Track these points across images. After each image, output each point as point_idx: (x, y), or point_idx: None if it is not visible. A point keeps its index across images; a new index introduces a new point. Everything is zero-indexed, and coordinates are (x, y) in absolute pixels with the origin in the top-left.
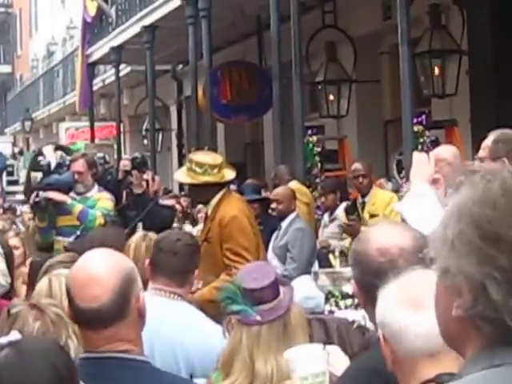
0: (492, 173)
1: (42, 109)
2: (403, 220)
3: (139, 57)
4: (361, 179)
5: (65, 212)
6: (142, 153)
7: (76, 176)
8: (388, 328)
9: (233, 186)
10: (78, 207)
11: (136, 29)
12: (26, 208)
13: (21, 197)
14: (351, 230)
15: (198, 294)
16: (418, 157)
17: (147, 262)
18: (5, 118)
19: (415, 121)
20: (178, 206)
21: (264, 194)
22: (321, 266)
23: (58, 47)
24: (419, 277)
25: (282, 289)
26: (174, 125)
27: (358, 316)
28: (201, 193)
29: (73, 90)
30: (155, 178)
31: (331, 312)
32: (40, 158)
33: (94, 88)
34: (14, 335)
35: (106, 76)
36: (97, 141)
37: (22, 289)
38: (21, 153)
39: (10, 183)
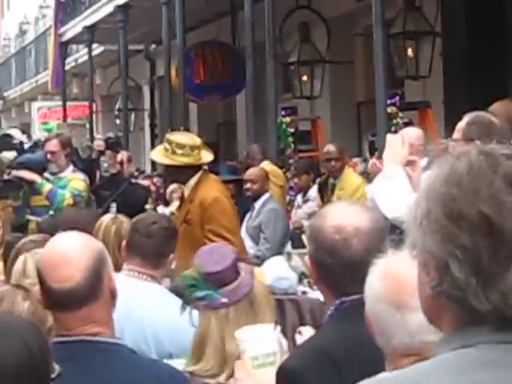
0: (462, 153)
1: (14, 88)
2: (372, 202)
3: (112, 36)
4: (333, 162)
5: (37, 192)
6: (115, 133)
7: (49, 156)
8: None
9: None
10: (47, 187)
11: (109, 8)
12: None
13: None
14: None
15: None
16: (391, 139)
17: (124, 243)
18: None
19: (388, 102)
20: (152, 187)
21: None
22: (294, 247)
23: (30, 26)
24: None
25: (241, 266)
26: (147, 105)
27: None
28: (178, 174)
29: (45, 70)
30: (131, 159)
31: (304, 293)
32: (8, 139)
33: (67, 67)
34: None
35: (78, 55)
36: (69, 120)
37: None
38: None
39: None
